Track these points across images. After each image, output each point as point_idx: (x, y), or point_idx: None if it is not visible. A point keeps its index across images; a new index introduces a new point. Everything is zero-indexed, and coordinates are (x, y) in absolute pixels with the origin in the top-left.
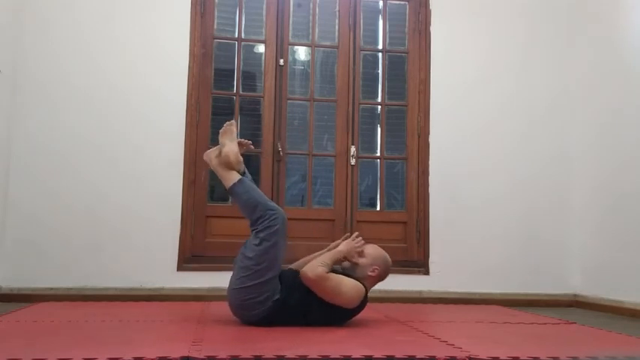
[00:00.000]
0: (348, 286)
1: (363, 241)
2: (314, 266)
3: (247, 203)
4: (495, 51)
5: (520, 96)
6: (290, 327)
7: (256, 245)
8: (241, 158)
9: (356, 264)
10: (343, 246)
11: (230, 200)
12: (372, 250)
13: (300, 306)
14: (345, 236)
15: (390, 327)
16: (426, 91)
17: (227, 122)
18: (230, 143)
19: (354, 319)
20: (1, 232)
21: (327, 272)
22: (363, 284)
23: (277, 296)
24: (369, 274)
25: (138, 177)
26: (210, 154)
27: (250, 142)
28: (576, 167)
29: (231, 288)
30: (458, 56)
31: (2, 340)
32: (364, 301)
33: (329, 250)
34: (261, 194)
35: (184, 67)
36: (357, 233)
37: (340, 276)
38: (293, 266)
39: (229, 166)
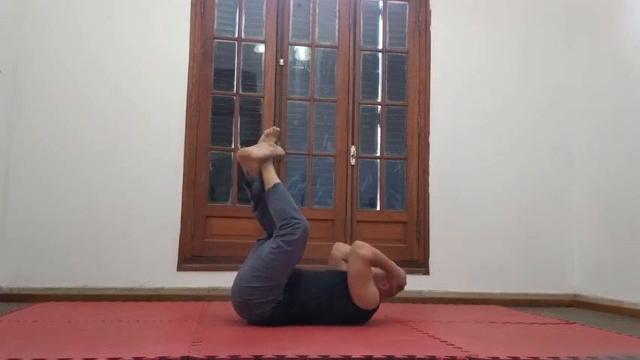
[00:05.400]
0: (372, 287)
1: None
2: (373, 249)
3: (278, 206)
4: (495, 51)
5: (520, 96)
6: (290, 327)
7: (273, 249)
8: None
9: (382, 284)
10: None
11: (233, 199)
12: None
13: (302, 311)
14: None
15: (390, 327)
16: (426, 91)
17: (274, 127)
18: (272, 147)
19: None
20: (1, 232)
21: (373, 261)
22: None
23: (280, 299)
24: (381, 287)
25: (138, 177)
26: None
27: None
28: (576, 167)
29: (239, 284)
30: (458, 56)
31: (2, 340)
32: (370, 313)
33: None
34: (292, 201)
35: (184, 67)
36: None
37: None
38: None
39: (253, 164)
